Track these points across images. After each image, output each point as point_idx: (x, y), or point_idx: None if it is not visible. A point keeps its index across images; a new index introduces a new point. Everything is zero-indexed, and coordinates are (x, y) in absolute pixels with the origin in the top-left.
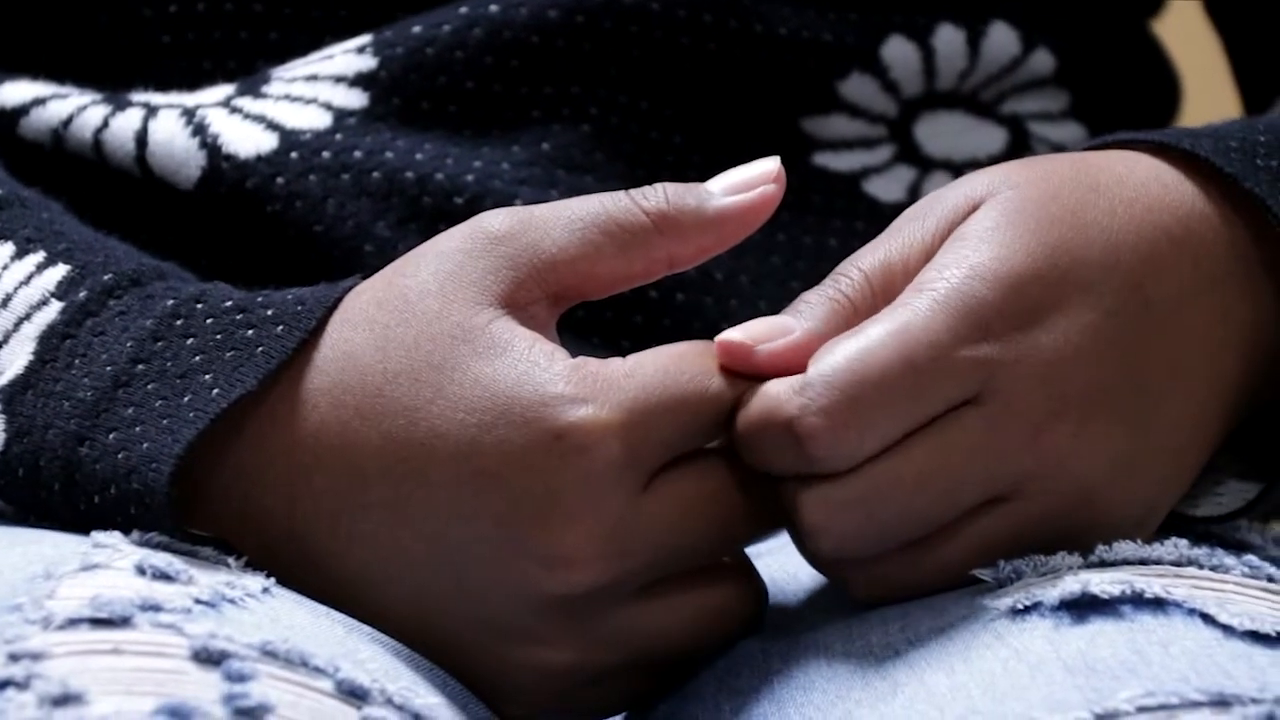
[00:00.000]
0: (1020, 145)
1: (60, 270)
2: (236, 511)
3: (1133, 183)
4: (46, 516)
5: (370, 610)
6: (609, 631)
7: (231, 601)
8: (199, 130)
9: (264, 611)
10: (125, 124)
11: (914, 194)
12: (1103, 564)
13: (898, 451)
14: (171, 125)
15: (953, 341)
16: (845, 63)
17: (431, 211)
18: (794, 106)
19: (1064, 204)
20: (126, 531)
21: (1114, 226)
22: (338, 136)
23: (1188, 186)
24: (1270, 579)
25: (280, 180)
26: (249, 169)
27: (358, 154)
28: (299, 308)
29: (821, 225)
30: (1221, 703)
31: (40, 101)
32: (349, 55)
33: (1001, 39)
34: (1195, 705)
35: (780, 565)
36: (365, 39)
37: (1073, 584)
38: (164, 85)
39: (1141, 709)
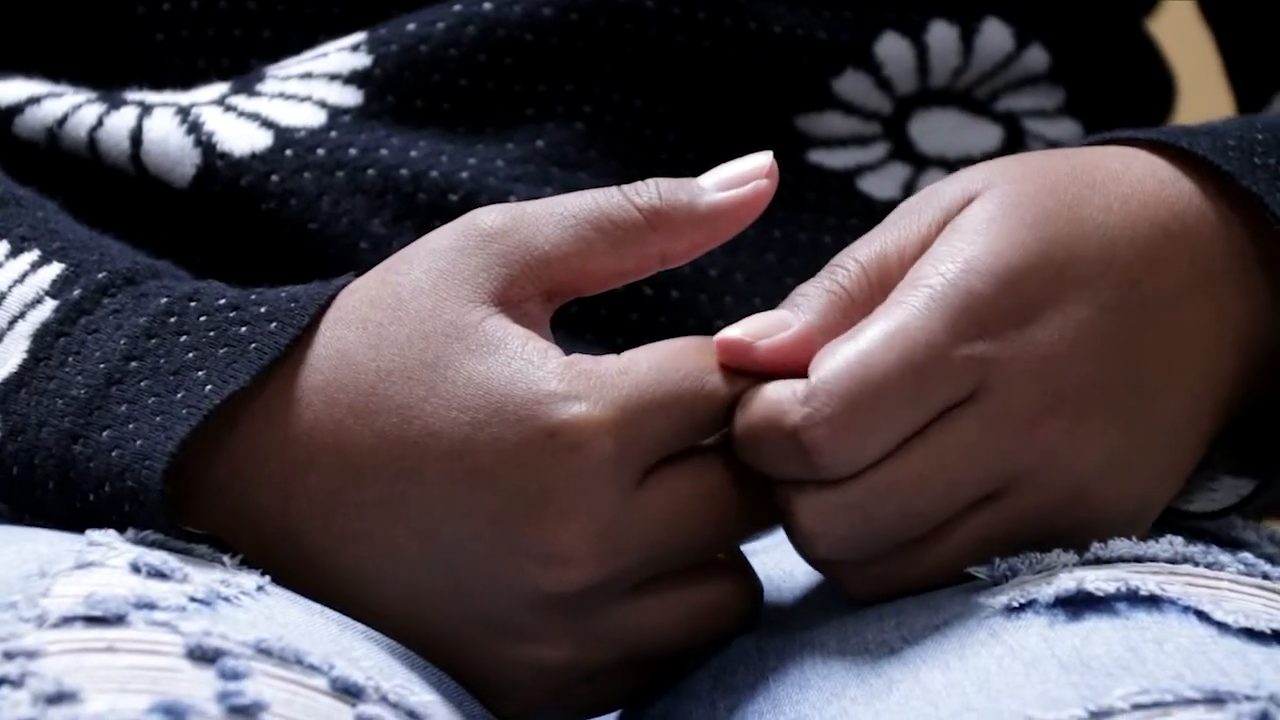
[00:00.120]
0: (1015, 142)
1: (54, 269)
2: (231, 509)
3: (1129, 179)
4: (41, 515)
5: (364, 608)
6: (603, 629)
7: (226, 599)
8: (194, 128)
9: (258, 609)
10: (120, 122)
11: (908, 191)
12: (1098, 561)
13: (896, 456)
14: (166, 123)
15: (951, 340)
16: (839, 60)
17: (426, 209)
18: (788, 104)
19: (1060, 199)
20: (121, 529)
21: (1109, 222)
22: (332, 134)
23: (1184, 183)
24: (1265, 577)
25: (275, 178)
26: (244, 167)
27: (352, 151)
28: (292, 305)
29: (816, 223)
30: (1216, 700)
31: (35, 100)
32: (343, 53)
33: (995, 36)
34: (1190, 703)
35: (776, 563)
36: (359, 37)
37: (1068, 581)
38: (158, 83)
39: (1136, 706)
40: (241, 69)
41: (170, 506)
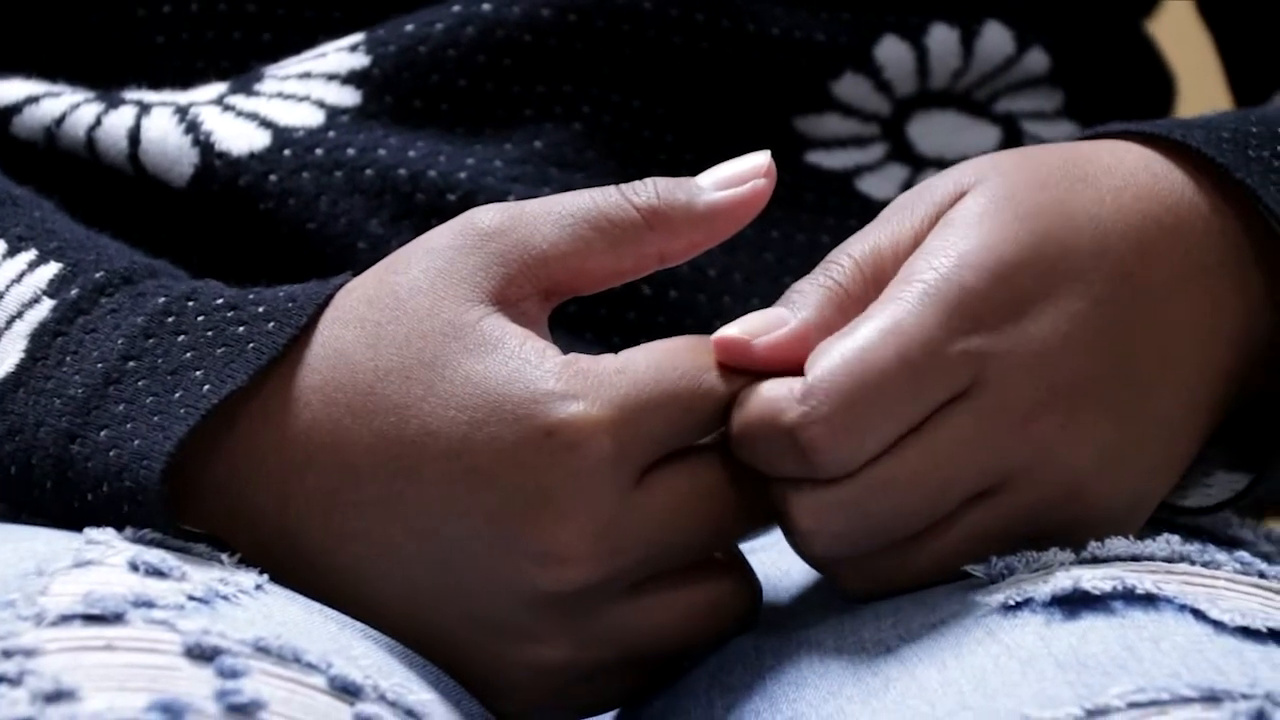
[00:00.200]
0: (1013, 144)
1: (52, 268)
2: (229, 509)
3: (1121, 172)
4: (40, 514)
5: (363, 607)
6: (602, 628)
7: (224, 598)
8: (192, 128)
9: (257, 608)
10: (118, 122)
11: None
12: (1094, 560)
13: (893, 453)
14: (164, 123)
15: (945, 336)
16: (838, 63)
17: (424, 209)
18: (787, 106)
19: (1052, 192)
20: (119, 529)
21: (1102, 215)
22: (330, 134)
23: (1177, 176)
24: (1261, 575)
25: (273, 178)
26: (242, 166)
27: (350, 151)
28: (290, 305)
29: (815, 223)
30: (1212, 699)
31: (33, 100)
32: (341, 53)
33: (995, 39)
34: (1186, 701)
35: (773, 561)
36: (358, 37)
37: (1064, 580)
38: (157, 84)
39: (1132, 705)
40: (241, 71)
41: (168, 506)
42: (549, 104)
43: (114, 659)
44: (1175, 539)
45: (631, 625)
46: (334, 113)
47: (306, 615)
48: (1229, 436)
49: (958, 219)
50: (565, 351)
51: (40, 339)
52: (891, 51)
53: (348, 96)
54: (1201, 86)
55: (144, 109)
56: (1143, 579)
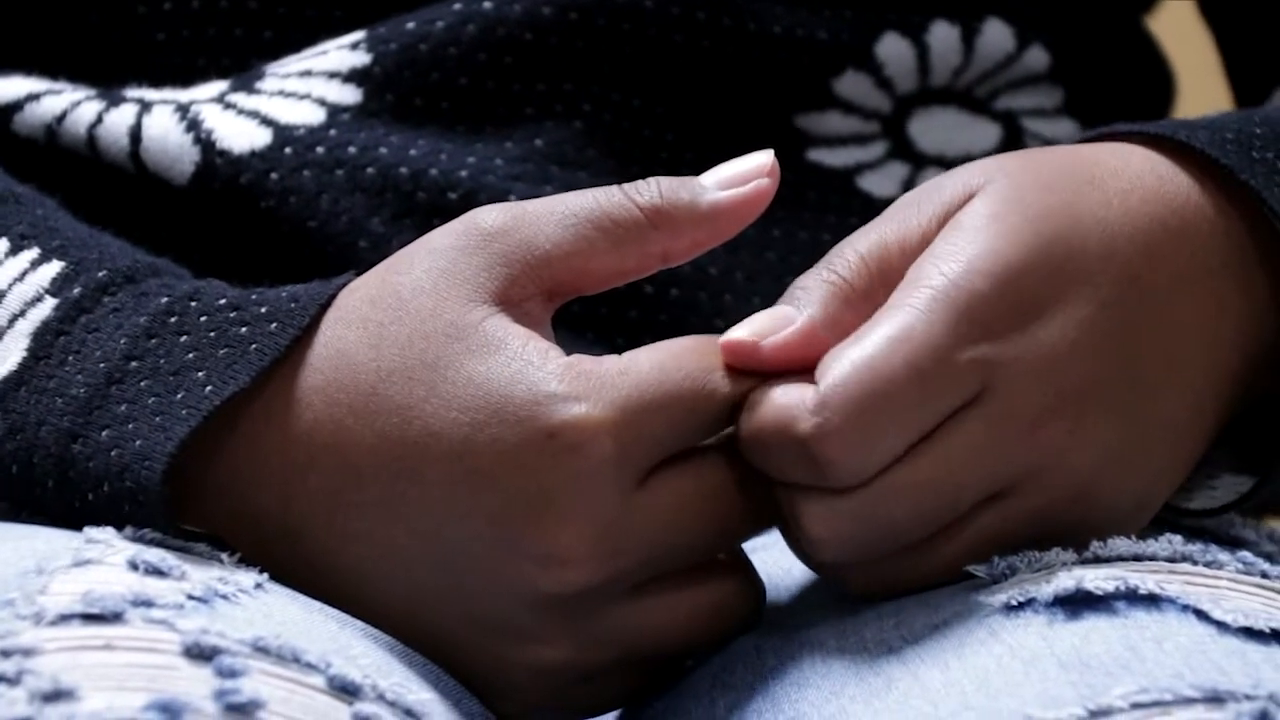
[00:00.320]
0: (1013, 141)
1: (54, 267)
2: (230, 509)
3: (1127, 174)
4: (40, 513)
5: (364, 608)
6: (603, 630)
7: (224, 597)
8: (193, 126)
9: (256, 607)
10: (119, 119)
11: (907, 189)
12: (1097, 560)
13: (904, 461)
14: (165, 121)
15: (955, 343)
16: (839, 61)
17: (426, 207)
18: (788, 104)
19: (1059, 195)
20: (120, 528)
21: (1109, 218)
22: (331, 132)
23: (1183, 178)
24: (1264, 575)
25: (274, 176)
26: (243, 164)
27: (351, 150)
28: (292, 305)
29: (816, 221)
30: (1215, 699)
31: (34, 97)
32: (343, 51)
33: (996, 36)
34: (1189, 702)
35: (774, 561)
36: (359, 35)
37: (1067, 580)
38: (158, 82)
39: (1135, 705)
40: (242, 69)
41: (169, 507)
42: (550, 102)
43: (113, 658)
44: (1178, 539)
45: (633, 627)
46: (335, 111)
47: (306, 615)
48: (1235, 439)
49: (966, 222)
50: (567, 351)
51: (43, 338)
52: (892, 49)
53: (349, 94)
54: (1201, 85)
55: (145, 107)
56: (1145, 579)
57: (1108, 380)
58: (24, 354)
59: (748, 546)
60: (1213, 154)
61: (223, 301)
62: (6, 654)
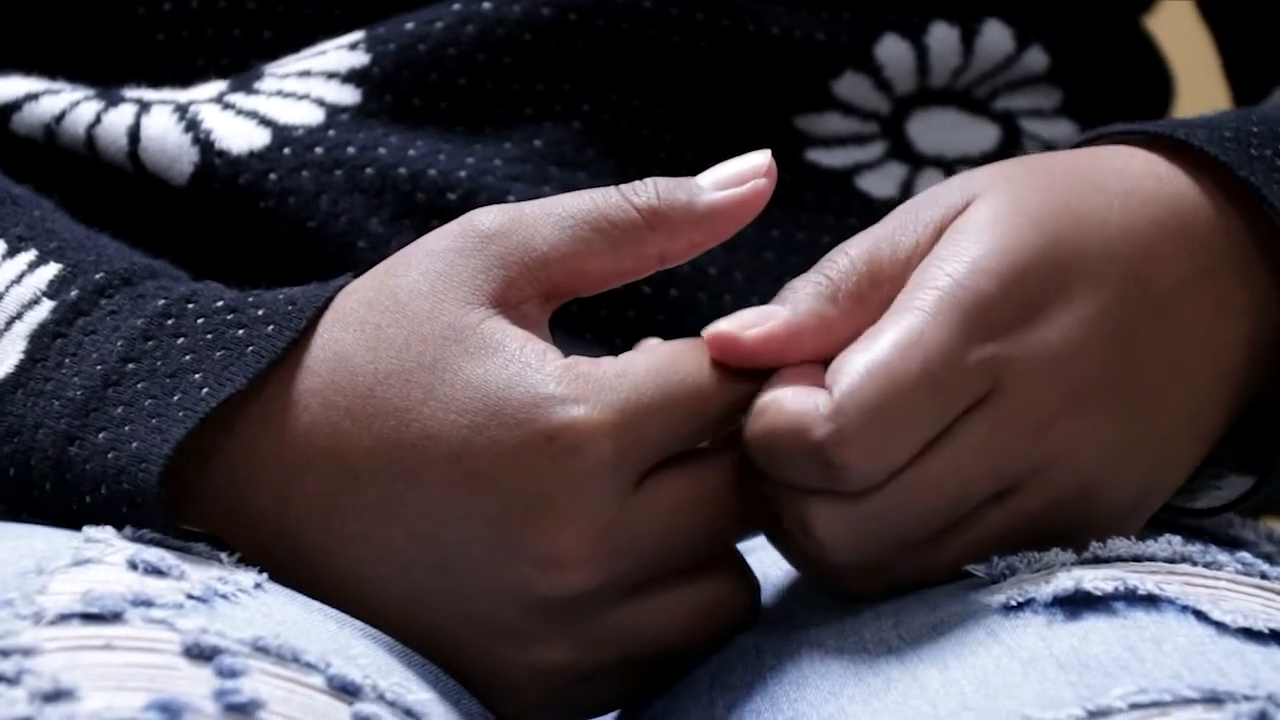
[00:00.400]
0: (1012, 142)
1: (52, 269)
2: (228, 511)
3: (1128, 176)
4: (39, 515)
5: (363, 609)
6: (602, 631)
7: (223, 597)
8: (191, 126)
9: (256, 607)
10: (118, 119)
11: (906, 190)
12: (1096, 560)
13: (915, 465)
14: (164, 121)
15: (964, 344)
16: (838, 62)
17: (424, 208)
18: (787, 105)
19: (1061, 197)
20: (119, 529)
21: (1110, 219)
22: (330, 132)
23: (1182, 178)
24: (1263, 576)
25: (273, 176)
26: (241, 165)
27: (350, 150)
28: (290, 307)
29: (815, 221)
30: (1214, 700)
31: (33, 97)
32: (341, 51)
33: (995, 37)
34: (1188, 702)
35: (774, 561)
36: (358, 35)
37: (1066, 581)
38: (157, 83)
39: (1134, 706)
40: (241, 69)
41: (167, 509)
42: (549, 103)
43: (112, 658)
44: (1177, 540)
45: (631, 627)
46: (334, 111)
47: (305, 614)
48: (1240, 439)
49: (970, 225)
50: (566, 352)
51: (39, 340)
52: (892, 50)
53: (348, 95)
54: (1200, 85)
55: (144, 107)
56: (1144, 580)
57: (1110, 379)
58: (21, 356)
59: (747, 546)
60: (1211, 151)
61: (220, 304)
62: (6, 654)
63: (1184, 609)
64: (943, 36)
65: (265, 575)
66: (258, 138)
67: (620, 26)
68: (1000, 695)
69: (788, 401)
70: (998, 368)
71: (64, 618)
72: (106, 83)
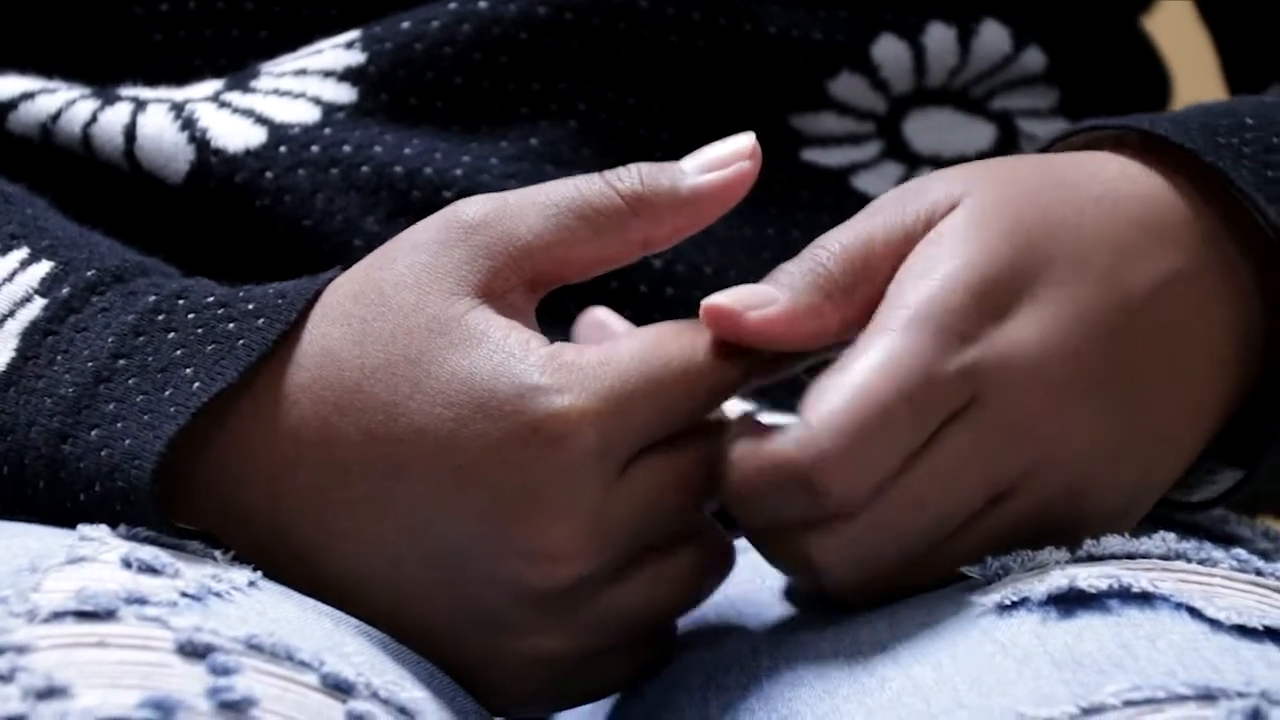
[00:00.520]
0: (1008, 141)
1: (43, 267)
2: (221, 507)
3: (1101, 179)
4: (32, 513)
5: (355, 605)
6: (594, 616)
7: (217, 595)
8: (187, 124)
9: (250, 605)
10: (114, 118)
11: None
12: (1090, 558)
13: (898, 481)
14: (160, 119)
15: (939, 358)
16: (835, 62)
17: (420, 206)
18: (783, 104)
19: (1035, 205)
20: (113, 526)
21: (1083, 223)
22: (326, 131)
23: (1155, 177)
24: (1258, 573)
25: (269, 174)
26: (237, 163)
27: (346, 148)
28: (279, 301)
29: (811, 221)
30: (1208, 697)
31: (29, 96)
32: (338, 50)
33: (993, 37)
34: (1182, 699)
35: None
36: (354, 34)
37: (1060, 579)
38: (154, 82)
39: (1128, 703)
40: (238, 69)
41: (160, 505)
42: (545, 101)
43: (106, 656)
44: (1171, 536)
45: (622, 608)
46: (330, 110)
47: (299, 612)
48: (1238, 435)
49: (945, 232)
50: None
51: (31, 338)
52: (888, 50)
53: (344, 93)
54: (1198, 85)
55: (140, 105)
56: (1138, 577)
57: (1096, 378)
58: (13, 354)
59: (742, 545)
60: (1176, 140)
61: (210, 299)
62: (0, 651)
63: (1178, 606)
64: (940, 36)
65: (259, 573)
66: (254, 136)
67: (616, 25)
68: (994, 693)
69: (758, 443)
70: (975, 376)
71: (58, 615)
72: (103, 82)
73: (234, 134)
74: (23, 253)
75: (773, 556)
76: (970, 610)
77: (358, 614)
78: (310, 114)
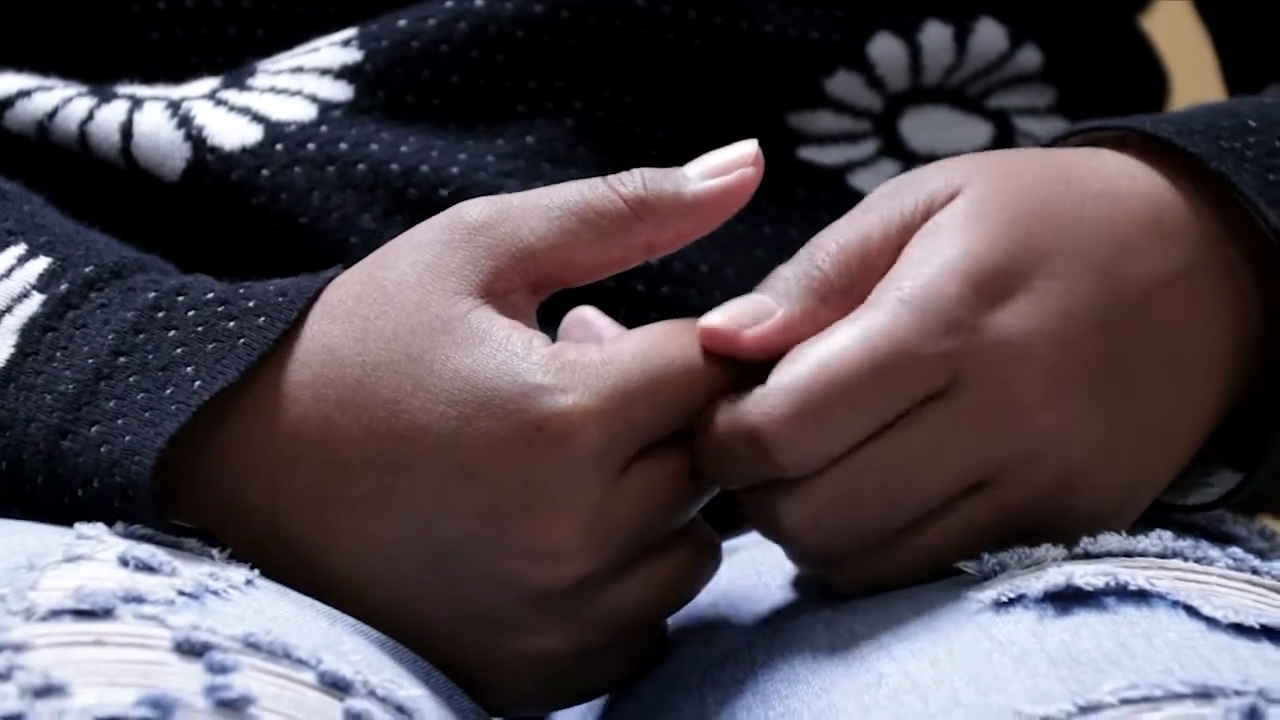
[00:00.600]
0: (1004, 140)
1: (42, 263)
2: (220, 504)
3: (1103, 175)
4: (31, 509)
5: (354, 604)
6: (594, 615)
7: (214, 593)
8: (184, 122)
9: (247, 603)
10: (110, 116)
11: None
12: (1087, 556)
13: (867, 447)
14: (157, 117)
15: (920, 338)
16: (832, 60)
17: (417, 204)
18: (779, 102)
19: (1036, 198)
20: (110, 524)
21: (1083, 218)
22: (323, 128)
23: (1155, 177)
24: (1254, 572)
25: (265, 172)
26: (234, 161)
27: (343, 146)
28: (280, 299)
29: (807, 219)
30: (1205, 695)
31: (26, 94)
32: (334, 48)
33: (989, 36)
34: (1178, 697)
35: (764, 558)
36: (351, 32)
37: (1057, 576)
38: (151, 80)
39: (1125, 701)
40: (235, 67)
41: (159, 503)
42: (541, 100)
43: (104, 654)
44: (1168, 535)
45: (620, 606)
46: (326, 107)
47: (297, 611)
48: (1232, 436)
49: (945, 223)
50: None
51: (30, 334)
52: (885, 49)
53: (340, 91)
54: (1196, 85)
55: (136, 103)
56: (1135, 575)
57: (1092, 373)
58: (12, 350)
59: (734, 544)
60: (1180, 143)
61: (210, 296)
62: None
63: (1175, 604)
64: (936, 35)
65: (256, 571)
66: (250, 134)
67: (613, 24)
68: (991, 690)
69: (725, 402)
70: (956, 361)
71: (55, 614)
72: (100, 80)
73: (230, 132)
74: (20, 249)
75: (752, 520)
76: (967, 606)
77: (356, 613)
78: (307, 112)
